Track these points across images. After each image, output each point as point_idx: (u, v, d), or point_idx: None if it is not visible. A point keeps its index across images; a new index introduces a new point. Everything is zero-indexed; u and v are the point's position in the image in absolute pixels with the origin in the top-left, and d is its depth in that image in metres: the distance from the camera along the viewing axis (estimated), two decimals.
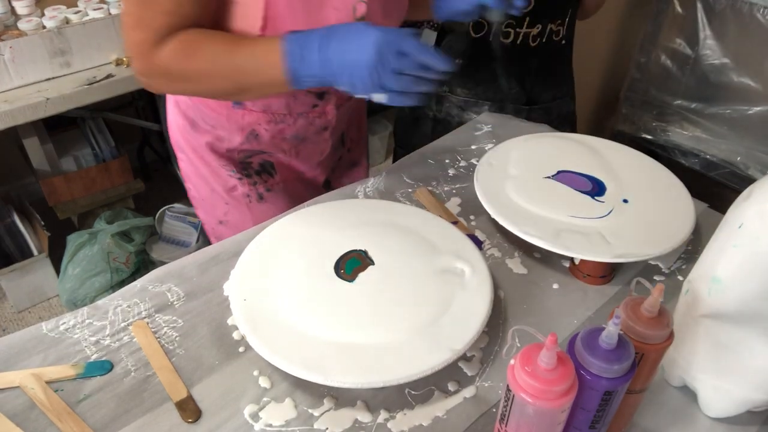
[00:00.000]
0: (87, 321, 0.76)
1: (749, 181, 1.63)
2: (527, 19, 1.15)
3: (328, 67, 0.72)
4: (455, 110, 1.31)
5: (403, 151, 1.41)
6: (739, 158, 1.73)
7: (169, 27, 0.74)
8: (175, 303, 0.79)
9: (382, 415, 0.67)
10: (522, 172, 0.95)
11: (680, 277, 0.86)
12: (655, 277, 0.86)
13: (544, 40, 1.19)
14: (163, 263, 0.89)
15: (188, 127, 0.98)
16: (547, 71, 1.26)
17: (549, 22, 1.16)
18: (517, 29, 1.18)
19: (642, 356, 0.56)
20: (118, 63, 1.70)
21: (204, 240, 1.95)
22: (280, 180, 1.01)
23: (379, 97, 0.73)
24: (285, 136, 0.95)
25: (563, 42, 1.23)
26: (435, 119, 1.34)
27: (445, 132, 1.32)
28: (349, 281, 0.77)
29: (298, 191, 1.05)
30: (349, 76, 0.72)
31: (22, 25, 1.60)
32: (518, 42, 1.19)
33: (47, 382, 0.68)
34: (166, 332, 0.75)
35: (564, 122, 1.34)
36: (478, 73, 1.26)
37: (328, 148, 1.02)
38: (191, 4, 0.74)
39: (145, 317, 0.77)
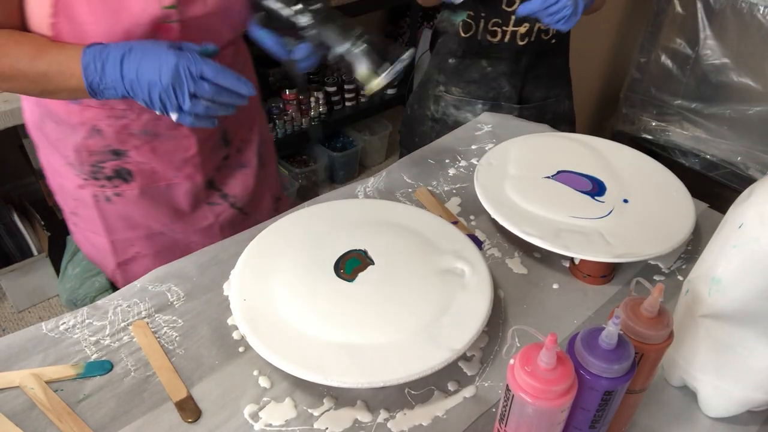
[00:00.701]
0: (87, 321, 0.76)
1: (749, 181, 1.63)
2: (513, 18, 1.16)
3: (126, 82, 0.74)
4: (451, 109, 1.32)
5: (407, 152, 1.42)
6: (739, 158, 1.73)
7: None
8: (175, 303, 0.79)
9: (382, 414, 0.67)
10: (522, 171, 0.95)
11: (680, 277, 0.86)
12: (655, 277, 0.86)
13: (532, 39, 1.19)
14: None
15: (37, 121, 0.96)
16: (539, 70, 1.26)
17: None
18: (504, 28, 1.18)
19: (642, 356, 0.56)
20: None
21: None
22: (137, 186, 0.97)
23: (175, 117, 0.75)
24: (131, 131, 0.92)
25: (554, 41, 1.23)
26: (433, 119, 1.35)
27: (443, 131, 1.32)
28: (349, 281, 0.77)
29: (167, 197, 1.01)
30: (145, 94, 0.74)
31: None
32: (506, 41, 1.19)
33: (47, 382, 0.68)
34: (166, 332, 0.75)
35: (561, 121, 1.34)
36: (469, 73, 1.27)
37: (194, 145, 0.97)
38: None
39: (145, 317, 0.77)
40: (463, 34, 1.22)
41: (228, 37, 0.91)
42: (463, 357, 0.73)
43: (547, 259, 0.88)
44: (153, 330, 0.75)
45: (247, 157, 1.10)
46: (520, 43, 1.19)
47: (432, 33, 1.39)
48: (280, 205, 1.22)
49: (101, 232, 1.02)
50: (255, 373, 0.71)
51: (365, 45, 0.78)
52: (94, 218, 1.01)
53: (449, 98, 1.31)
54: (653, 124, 1.91)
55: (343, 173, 2.52)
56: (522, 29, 1.17)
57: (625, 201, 0.89)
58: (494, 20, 1.18)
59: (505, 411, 0.55)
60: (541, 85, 1.29)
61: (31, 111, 0.97)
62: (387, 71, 0.79)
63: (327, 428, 0.66)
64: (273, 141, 1.22)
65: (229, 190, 1.08)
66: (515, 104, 1.28)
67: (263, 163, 1.14)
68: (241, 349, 0.74)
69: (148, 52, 0.73)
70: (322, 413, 0.67)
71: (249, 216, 1.14)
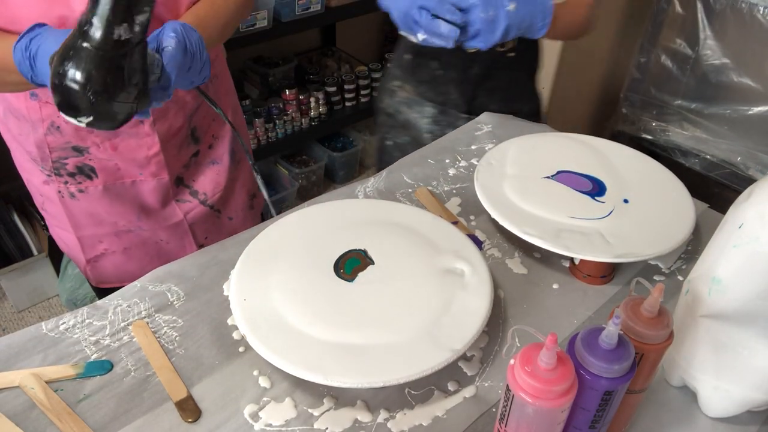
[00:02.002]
0: (87, 321, 0.76)
1: (749, 181, 1.63)
2: None
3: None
4: (402, 107, 1.26)
5: (377, 140, 1.37)
6: (739, 158, 1.73)
7: None
8: (175, 303, 0.79)
9: (382, 415, 0.67)
10: (522, 172, 0.95)
11: (680, 277, 0.86)
12: (655, 277, 0.86)
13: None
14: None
15: (1, 116, 0.97)
16: (494, 83, 1.17)
17: None
18: None
19: (642, 356, 0.56)
20: None
21: None
22: (101, 183, 0.97)
23: None
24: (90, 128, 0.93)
25: (512, 54, 1.14)
26: (386, 113, 1.29)
27: (394, 127, 1.28)
28: (349, 281, 0.77)
29: (133, 194, 1.01)
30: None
31: None
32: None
33: (47, 382, 0.68)
34: (166, 332, 0.75)
35: None
36: (421, 73, 1.21)
37: (156, 143, 0.96)
38: None
39: (145, 317, 0.77)
40: None
41: None
42: (463, 357, 0.73)
43: (547, 259, 0.88)
44: (153, 330, 0.75)
45: (218, 154, 1.08)
46: (470, 51, 1.09)
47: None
48: (255, 203, 1.21)
49: (68, 228, 1.02)
50: (255, 373, 0.71)
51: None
52: (60, 214, 1.01)
53: (403, 95, 1.25)
54: (653, 124, 1.91)
55: (343, 173, 2.53)
56: None
57: (626, 201, 0.89)
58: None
59: (505, 411, 0.55)
60: (496, 99, 1.21)
61: None
62: None
63: (327, 428, 0.66)
64: (249, 137, 1.21)
65: (200, 187, 1.07)
66: (463, 113, 1.20)
67: (237, 159, 1.13)
68: (241, 349, 0.74)
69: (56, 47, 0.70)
70: (322, 413, 0.67)
71: (221, 213, 1.12)
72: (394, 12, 0.92)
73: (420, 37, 0.90)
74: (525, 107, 1.25)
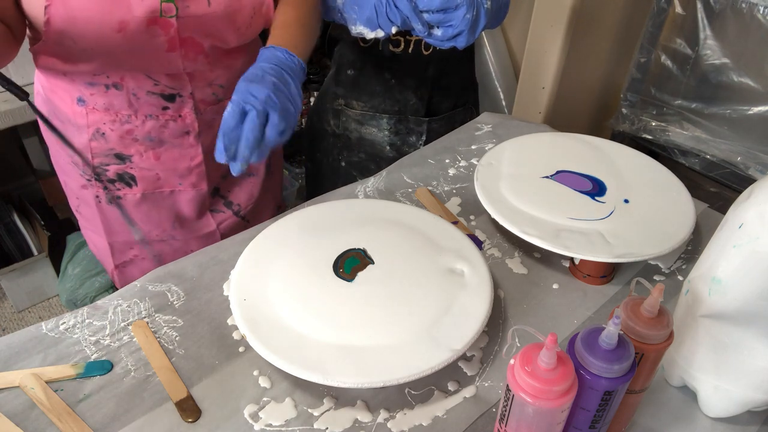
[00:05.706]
0: (87, 321, 0.76)
1: (749, 181, 1.63)
2: None
3: None
4: (353, 125, 1.22)
5: (312, 165, 1.34)
6: (739, 158, 1.73)
7: None
8: (175, 303, 0.79)
9: (382, 414, 0.67)
10: (522, 172, 0.95)
11: (680, 277, 0.86)
12: (655, 277, 0.86)
13: (437, 48, 1.08)
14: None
15: (45, 117, 0.98)
16: (446, 80, 1.18)
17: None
18: (407, 37, 1.08)
19: (642, 356, 0.56)
20: None
21: None
22: (139, 191, 0.98)
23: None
24: (135, 137, 0.92)
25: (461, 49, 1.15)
26: (334, 134, 1.25)
27: (346, 147, 1.25)
28: (349, 281, 0.77)
29: (170, 203, 1.01)
30: None
31: None
32: (410, 50, 1.10)
33: (47, 382, 0.68)
34: (166, 332, 0.75)
35: None
36: (372, 85, 1.17)
37: (200, 154, 0.97)
38: None
39: (145, 317, 0.77)
40: (362, 44, 1.12)
41: (233, 42, 0.89)
42: (463, 357, 0.73)
43: (547, 259, 0.88)
44: (153, 330, 0.75)
45: (256, 166, 1.09)
46: (425, 53, 1.11)
47: (327, 40, 1.23)
48: (279, 212, 1.22)
49: (101, 233, 1.02)
50: (255, 373, 0.71)
51: None
52: (95, 218, 1.01)
53: (351, 113, 1.21)
54: (653, 124, 1.91)
55: None
56: None
57: (626, 201, 0.89)
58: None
59: (505, 411, 0.55)
60: (449, 96, 1.21)
61: (40, 107, 0.98)
62: None
63: (327, 428, 0.66)
64: (282, 147, 1.22)
65: (234, 198, 1.08)
66: (423, 117, 1.19)
67: (271, 171, 1.14)
68: (241, 349, 0.74)
69: None
70: (322, 413, 0.67)
71: (250, 224, 1.13)
72: (363, 12, 0.89)
73: (394, 29, 0.88)
74: (471, 97, 1.28)
